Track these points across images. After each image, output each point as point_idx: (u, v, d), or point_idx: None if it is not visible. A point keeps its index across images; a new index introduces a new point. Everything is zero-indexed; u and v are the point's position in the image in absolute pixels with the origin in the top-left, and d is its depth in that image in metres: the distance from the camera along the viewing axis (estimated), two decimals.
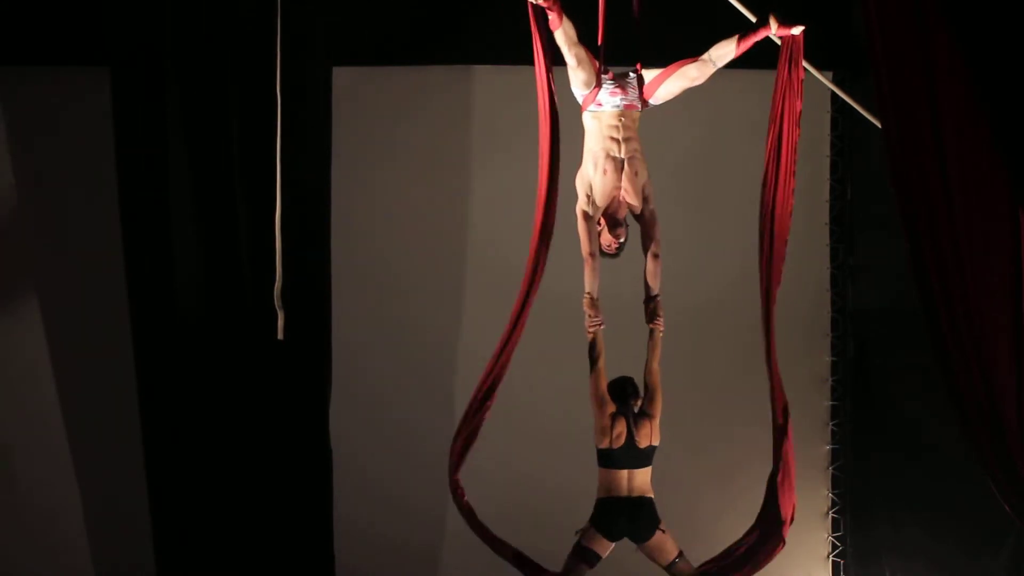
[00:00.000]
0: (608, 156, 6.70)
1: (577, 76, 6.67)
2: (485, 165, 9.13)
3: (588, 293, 6.86)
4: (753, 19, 6.76)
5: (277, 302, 6.92)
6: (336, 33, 8.40)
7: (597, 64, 6.66)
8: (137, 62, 8.21)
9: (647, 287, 6.90)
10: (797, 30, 6.63)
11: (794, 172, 6.81)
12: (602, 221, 6.85)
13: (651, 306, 6.91)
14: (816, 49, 6.95)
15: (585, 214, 6.79)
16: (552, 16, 6.45)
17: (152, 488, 8.34)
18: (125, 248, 8.29)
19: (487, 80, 9.11)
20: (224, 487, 8.30)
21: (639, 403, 6.95)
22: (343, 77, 8.57)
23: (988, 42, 6.39)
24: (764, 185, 6.82)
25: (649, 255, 6.89)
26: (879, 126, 6.73)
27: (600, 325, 6.86)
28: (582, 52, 6.63)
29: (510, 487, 9.06)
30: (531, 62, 8.78)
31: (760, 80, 7.92)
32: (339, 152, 8.47)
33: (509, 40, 8.81)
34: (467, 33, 8.90)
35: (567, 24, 6.54)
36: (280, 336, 6.95)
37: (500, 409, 9.12)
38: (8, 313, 8.85)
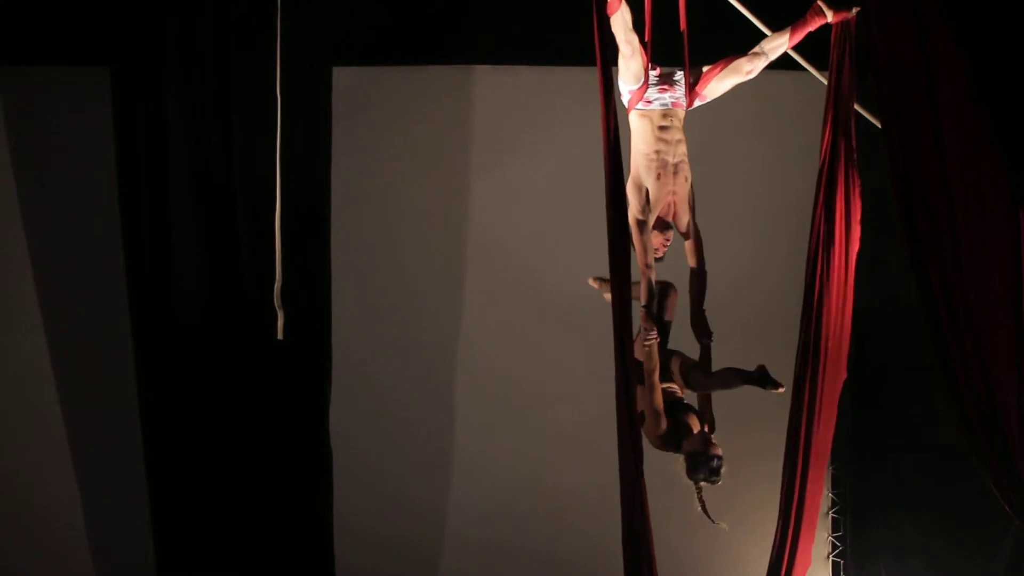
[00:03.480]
0: (661, 159, 6.49)
1: (629, 67, 6.44)
2: (485, 165, 9.13)
3: (645, 306, 6.49)
4: (766, 31, 6.74)
5: (277, 302, 6.92)
6: (336, 33, 8.41)
7: (646, 58, 6.51)
8: (137, 62, 8.22)
9: (697, 302, 6.68)
10: (852, 12, 6.54)
11: (857, 171, 6.64)
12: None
13: (701, 320, 6.71)
14: (816, 49, 6.95)
15: (639, 222, 6.47)
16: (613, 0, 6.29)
17: (152, 488, 8.35)
18: (125, 248, 8.30)
19: (487, 80, 9.12)
20: (224, 487, 8.31)
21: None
22: (343, 77, 8.58)
23: (988, 42, 6.38)
24: (820, 182, 6.67)
25: (697, 270, 6.66)
26: (879, 126, 6.72)
27: (656, 339, 6.50)
28: (636, 40, 6.40)
29: (511, 487, 9.07)
30: (531, 62, 8.87)
31: (761, 80, 7.93)
32: (339, 152, 8.47)
33: (509, 40, 8.85)
34: (467, 33, 8.90)
35: (625, 8, 6.34)
36: (280, 336, 6.94)
37: (501, 409, 9.16)
38: (8, 313, 8.85)
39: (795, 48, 6.85)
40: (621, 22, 6.35)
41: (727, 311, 8.67)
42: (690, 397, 6.77)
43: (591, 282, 6.96)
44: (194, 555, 8.34)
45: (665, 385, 6.62)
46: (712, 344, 6.77)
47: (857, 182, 6.63)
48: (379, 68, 8.97)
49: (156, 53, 8.21)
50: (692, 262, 6.67)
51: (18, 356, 8.85)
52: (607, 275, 6.27)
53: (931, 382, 7.35)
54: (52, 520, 8.83)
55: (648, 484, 9.06)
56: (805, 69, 6.98)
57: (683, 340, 6.85)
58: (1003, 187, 6.38)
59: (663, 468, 9.31)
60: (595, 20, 6.17)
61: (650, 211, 6.51)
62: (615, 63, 6.44)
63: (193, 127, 8.26)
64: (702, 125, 8.90)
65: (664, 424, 6.57)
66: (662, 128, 6.51)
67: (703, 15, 6.70)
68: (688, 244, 6.65)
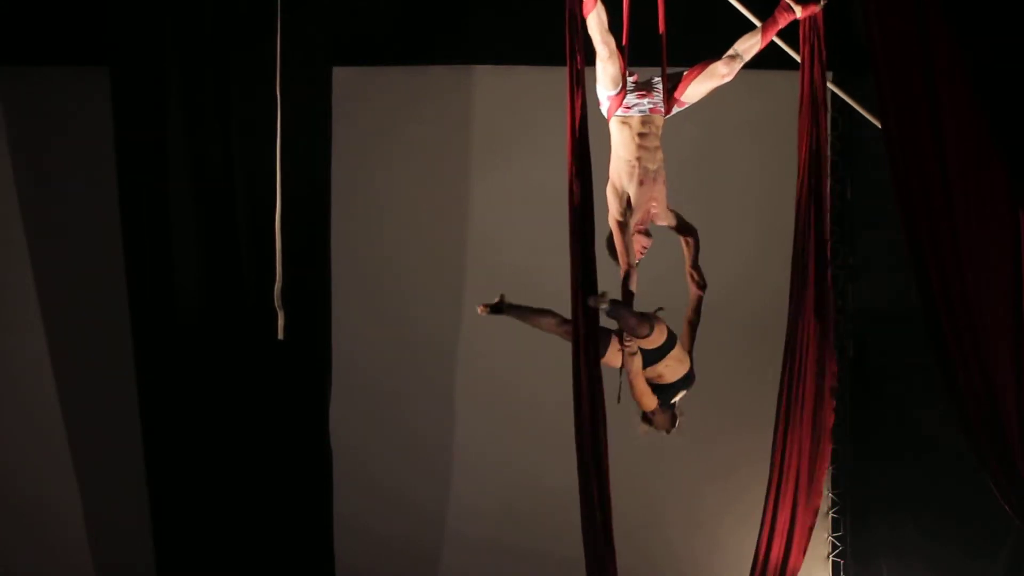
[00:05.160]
0: (643, 166, 6.50)
1: (606, 71, 6.44)
2: (485, 165, 9.13)
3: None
4: (756, 22, 6.74)
5: (277, 302, 6.91)
6: (336, 33, 8.41)
7: (623, 62, 6.50)
8: (137, 62, 8.22)
9: (695, 306, 6.78)
10: (819, 6, 6.58)
11: (828, 163, 6.71)
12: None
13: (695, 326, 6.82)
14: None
15: (620, 224, 6.51)
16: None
17: (152, 488, 8.35)
18: (125, 248, 8.30)
19: (487, 80, 9.11)
20: (224, 486, 8.31)
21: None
22: (343, 77, 8.57)
23: (988, 42, 6.39)
24: (800, 178, 6.72)
25: (694, 264, 6.72)
26: (879, 126, 6.72)
27: (637, 340, 6.58)
28: (613, 43, 6.39)
29: (511, 487, 9.07)
30: (531, 62, 8.85)
31: (760, 80, 7.94)
32: (339, 152, 8.47)
33: (509, 40, 8.85)
34: (467, 33, 8.90)
35: (601, 8, 6.32)
36: (280, 336, 6.94)
37: (501, 409, 9.16)
38: (8, 313, 8.85)
39: (794, 47, 6.85)
40: (597, 23, 6.32)
41: (727, 311, 8.70)
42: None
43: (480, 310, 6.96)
44: (194, 555, 8.34)
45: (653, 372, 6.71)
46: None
47: (827, 178, 6.68)
48: (379, 68, 8.97)
49: (156, 53, 8.21)
50: (688, 256, 6.70)
51: (18, 356, 8.85)
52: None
53: (931, 382, 7.35)
54: (52, 520, 8.83)
55: (646, 485, 9.09)
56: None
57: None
58: (1003, 187, 6.39)
59: (662, 470, 9.32)
60: (567, 20, 6.17)
61: (631, 214, 6.52)
62: (590, 63, 6.45)
63: (193, 127, 8.26)
64: (701, 125, 8.92)
65: (665, 418, 6.76)
66: (642, 135, 6.53)
67: (679, 18, 6.70)
68: (683, 239, 6.69)
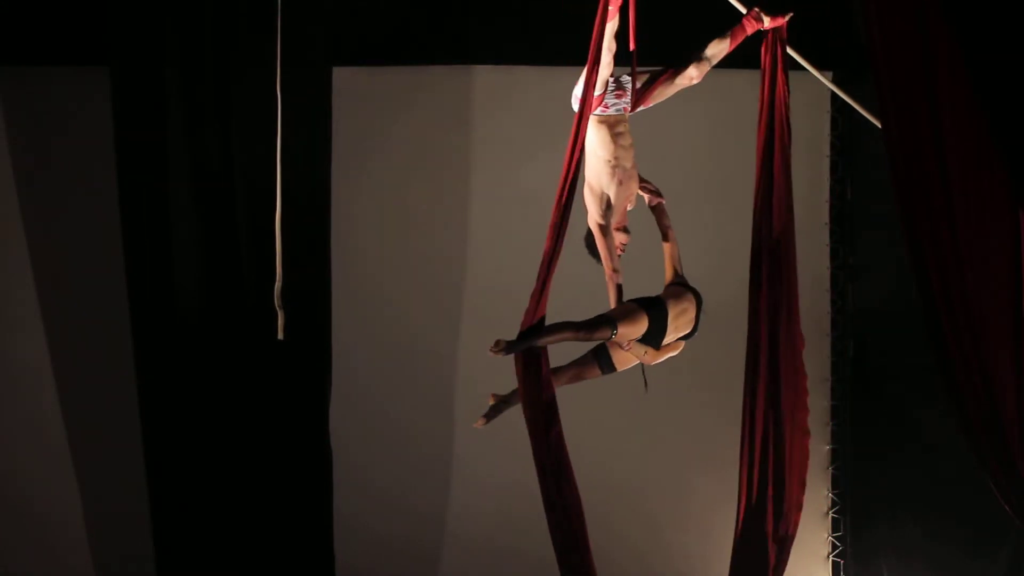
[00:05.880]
0: (622, 165, 6.57)
1: (602, 74, 6.51)
2: (485, 165, 9.13)
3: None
4: (743, 11, 6.77)
5: (277, 302, 6.91)
6: (336, 33, 8.41)
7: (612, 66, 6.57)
8: (137, 62, 8.22)
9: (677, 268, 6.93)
10: (786, 19, 6.64)
11: (789, 169, 6.78)
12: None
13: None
14: (816, 49, 6.95)
15: (602, 227, 6.56)
16: (613, 7, 6.33)
17: (152, 488, 8.35)
18: (125, 248, 8.30)
19: (487, 80, 9.12)
20: (224, 486, 8.32)
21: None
22: (343, 77, 8.58)
23: (988, 42, 6.38)
24: (757, 186, 6.81)
25: (672, 240, 6.92)
26: (879, 126, 6.72)
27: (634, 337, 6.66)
28: (615, 49, 6.46)
29: (510, 488, 9.06)
30: (530, 62, 8.86)
31: (759, 80, 7.92)
32: (339, 152, 8.47)
33: (509, 40, 8.85)
34: (467, 33, 8.90)
35: (617, 19, 6.38)
36: (280, 336, 6.94)
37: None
38: (8, 313, 8.85)
39: (795, 48, 6.86)
40: (609, 31, 6.41)
41: (726, 311, 8.69)
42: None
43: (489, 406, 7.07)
44: (194, 555, 8.35)
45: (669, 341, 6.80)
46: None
47: (788, 184, 6.73)
48: (379, 68, 8.97)
49: (156, 53, 8.21)
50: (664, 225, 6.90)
51: (18, 356, 8.85)
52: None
53: (931, 382, 7.35)
54: (52, 520, 8.83)
55: (644, 487, 9.10)
56: (804, 68, 6.98)
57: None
58: (1003, 187, 6.38)
59: (660, 473, 9.31)
60: (596, 25, 6.22)
61: (612, 215, 6.57)
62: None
63: (193, 127, 8.27)
64: (699, 124, 8.92)
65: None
66: (619, 134, 6.58)
67: (666, 17, 6.72)
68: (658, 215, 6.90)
